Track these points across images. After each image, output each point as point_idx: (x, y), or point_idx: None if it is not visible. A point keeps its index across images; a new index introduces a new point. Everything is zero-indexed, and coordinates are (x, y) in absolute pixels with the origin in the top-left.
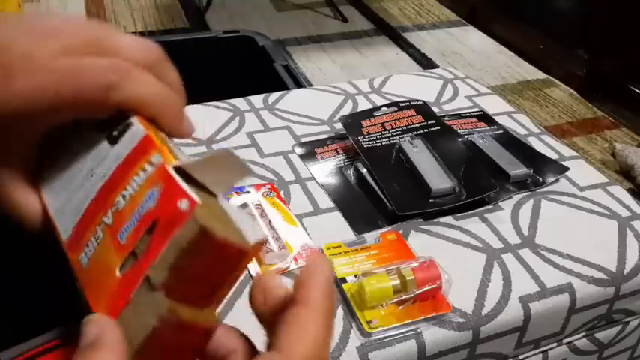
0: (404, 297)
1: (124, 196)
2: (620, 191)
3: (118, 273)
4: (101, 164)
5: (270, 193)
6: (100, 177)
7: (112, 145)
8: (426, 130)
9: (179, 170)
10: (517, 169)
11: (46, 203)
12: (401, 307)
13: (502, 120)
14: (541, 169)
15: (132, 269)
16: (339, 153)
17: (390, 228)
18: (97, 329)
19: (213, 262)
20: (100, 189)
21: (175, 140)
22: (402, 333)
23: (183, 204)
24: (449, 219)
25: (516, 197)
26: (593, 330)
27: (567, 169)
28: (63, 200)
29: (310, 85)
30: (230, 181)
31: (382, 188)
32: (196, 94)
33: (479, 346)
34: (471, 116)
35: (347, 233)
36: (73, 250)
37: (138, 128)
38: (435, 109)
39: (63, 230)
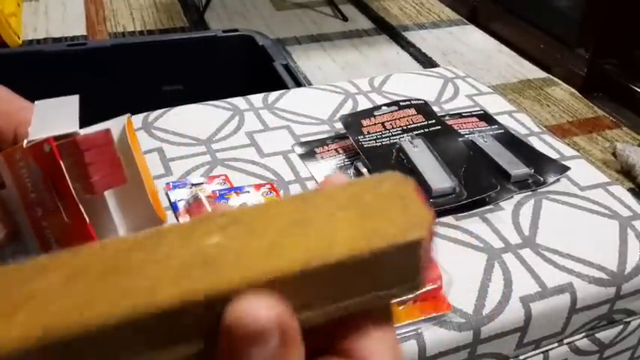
0: (404, 297)
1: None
2: (621, 191)
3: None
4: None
5: (270, 192)
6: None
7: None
8: (426, 130)
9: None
10: (518, 169)
11: None
12: (401, 307)
13: (503, 119)
14: (542, 169)
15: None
16: (339, 152)
17: None
18: None
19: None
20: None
21: (175, 139)
22: (403, 333)
23: (46, 147)
24: (449, 219)
25: (517, 197)
26: (594, 330)
27: (568, 168)
28: None
29: (310, 84)
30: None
31: None
32: (196, 94)
33: (479, 347)
34: (472, 115)
35: None
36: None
37: None
38: (436, 109)
39: None
